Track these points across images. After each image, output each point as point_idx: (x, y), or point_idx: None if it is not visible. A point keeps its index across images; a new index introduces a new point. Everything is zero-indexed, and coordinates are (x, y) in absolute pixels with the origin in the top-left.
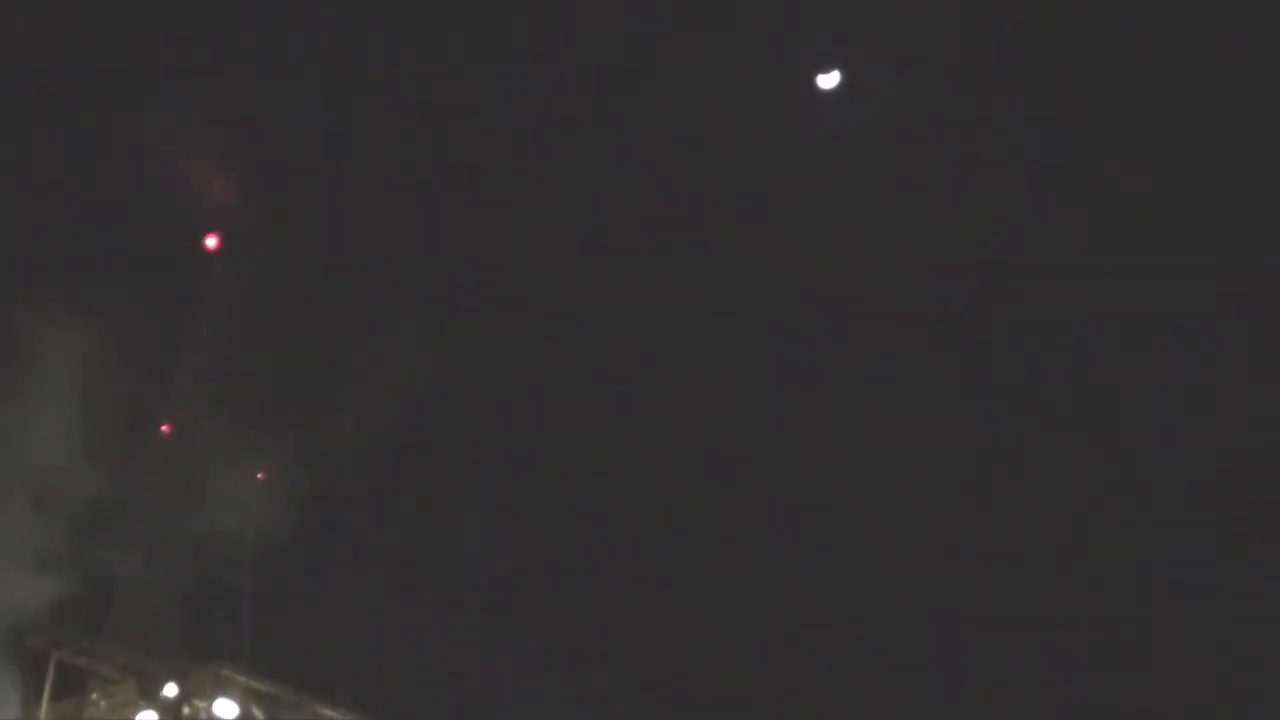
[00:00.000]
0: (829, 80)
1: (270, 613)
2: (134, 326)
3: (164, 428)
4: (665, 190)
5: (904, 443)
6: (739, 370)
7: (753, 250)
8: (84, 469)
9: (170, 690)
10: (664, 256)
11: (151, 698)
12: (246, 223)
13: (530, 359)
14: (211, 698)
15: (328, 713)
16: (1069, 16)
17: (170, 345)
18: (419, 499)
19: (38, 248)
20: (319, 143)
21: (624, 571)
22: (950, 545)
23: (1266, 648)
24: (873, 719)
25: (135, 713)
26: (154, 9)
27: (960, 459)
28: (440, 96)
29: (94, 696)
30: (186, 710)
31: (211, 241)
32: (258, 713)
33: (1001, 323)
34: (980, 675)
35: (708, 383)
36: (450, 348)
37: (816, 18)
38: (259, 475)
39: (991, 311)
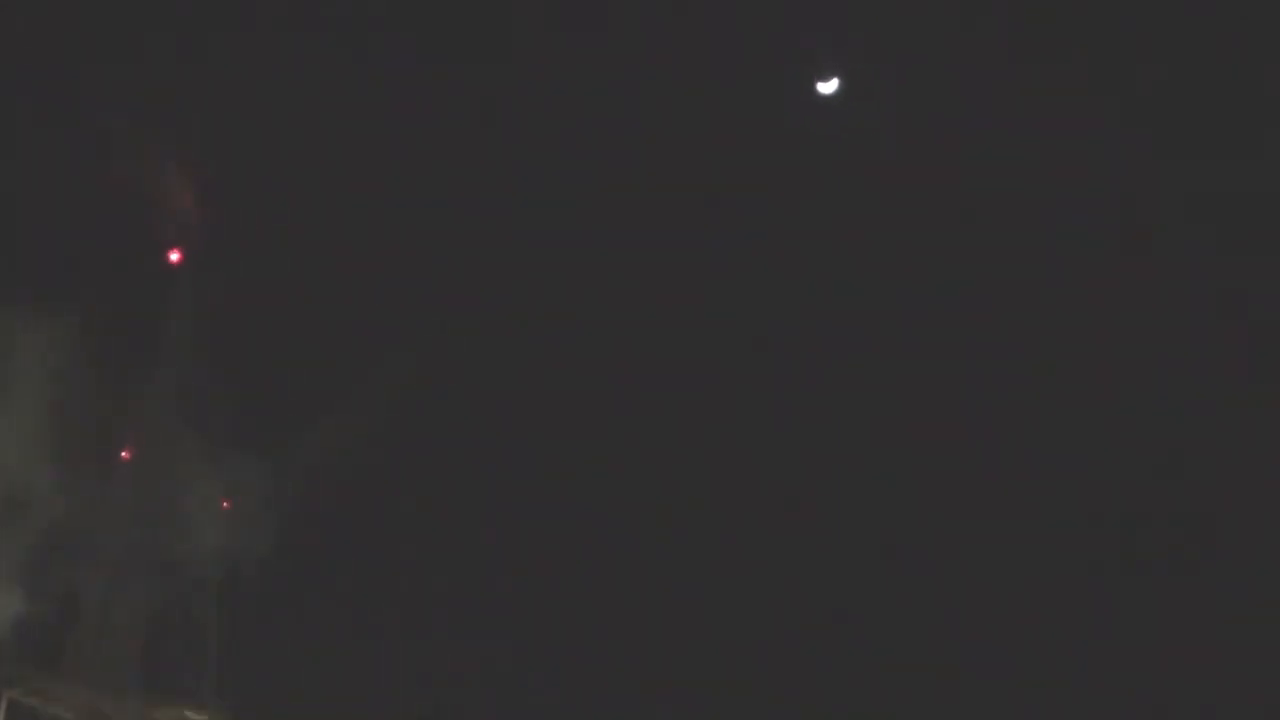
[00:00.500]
0: (829, 87)
1: (238, 651)
2: (92, 344)
3: (124, 453)
4: (662, 197)
5: (906, 446)
6: (739, 376)
7: (753, 257)
8: (37, 497)
9: None
10: (661, 264)
11: None
12: (213, 234)
13: (516, 374)
14: None
15: None
16: (1072, 22)
17: (131, 365)
18: (398, 528)
19: None
20: (289, 150)
21: (607, 605)
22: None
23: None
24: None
25: None
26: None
27: (957, 463)
28: (426, 99)
29: None
30: None
31: (175, 255)
32: None
33: (1004, 328)
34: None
35: (707, 389)
36: (429, 368)
37: (817, 25)
38: (225, 504)
39: (994, 316)
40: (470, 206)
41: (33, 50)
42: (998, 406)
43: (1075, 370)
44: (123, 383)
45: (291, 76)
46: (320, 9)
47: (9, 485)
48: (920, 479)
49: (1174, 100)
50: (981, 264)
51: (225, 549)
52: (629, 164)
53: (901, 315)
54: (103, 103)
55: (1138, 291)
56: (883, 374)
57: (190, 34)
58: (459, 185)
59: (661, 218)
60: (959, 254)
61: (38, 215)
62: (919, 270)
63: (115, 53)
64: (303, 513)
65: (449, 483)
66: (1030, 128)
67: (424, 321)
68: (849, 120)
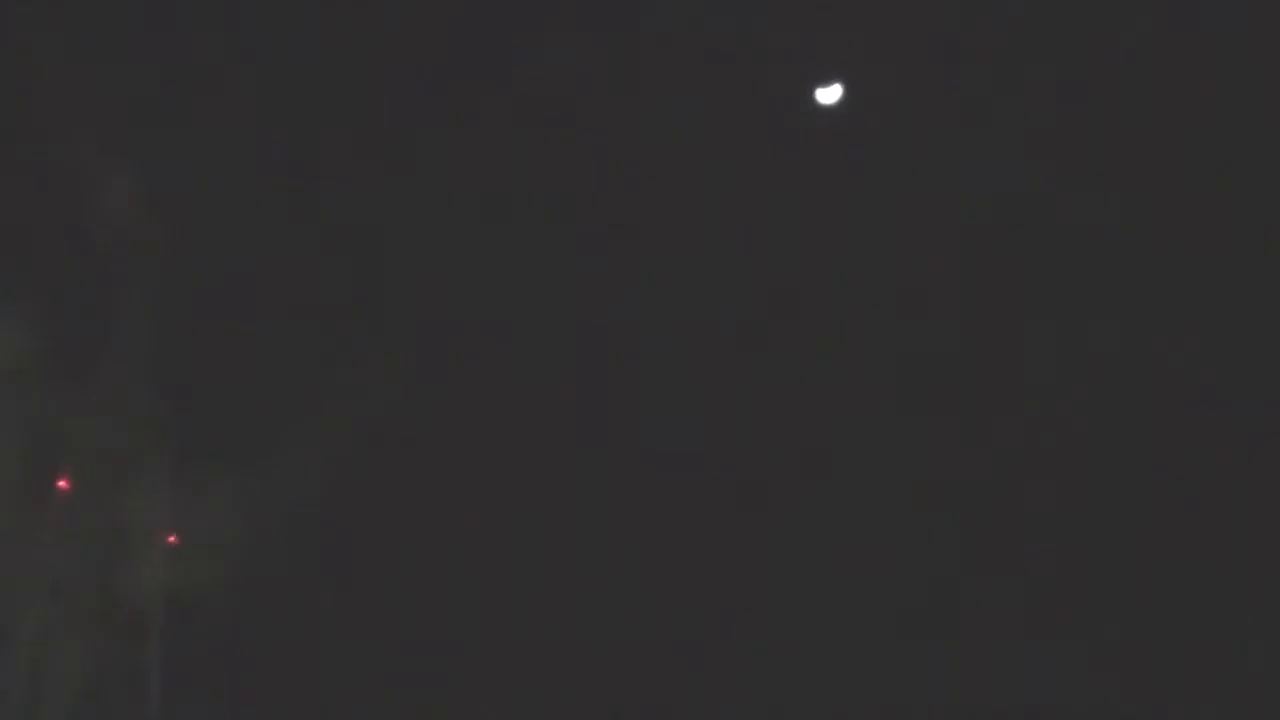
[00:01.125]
0: (830, 95)
1: (183, 700)
2: (24, 360)
3: (60, 482)
4: (654, 206)
5: (900, 454)
6: (734, 386)
7: (749, 266)
8: None
9: None
10: (652, 274)
11: None
12: (159, 241)
13: (492, 402)
14: None
15: None
16: (1074, 27)
17: (68, 383)
18: (358, 567)
19: None
20: (245, 151)
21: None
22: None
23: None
24: None
25: None
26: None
27: (952, 475)
28: (393, 94)
29: None
30: None
31: (119, 267)
32: None
33: (1006, 336)
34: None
35: (702, 399)
36: (393, 388)
37: (816, 29)
38: (170, 539)
39: (996, 325)
40: (447, 211)
41: None
42: (991, 418)
43: (1071, 382)
44: (60, 403)
45: (244, 71)
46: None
47: None
48: (919, 495)
49: (1182, 106)
50: (982, 274)
51: (172, 587)
52: (618, 172)
53: (899, 326)
54: (39, 104)
55: (1143, 300)
56: (878, 384)
57: (133, 29)
58: (434, 186)
59: (654, 227)
60: (959, 264)
61: None
62: (919, 280)
63: (50, 51)
64: (258, 548)
65: (421, 514)
66: (1037, 135)
67: (394, 335)
68: (849, 128)
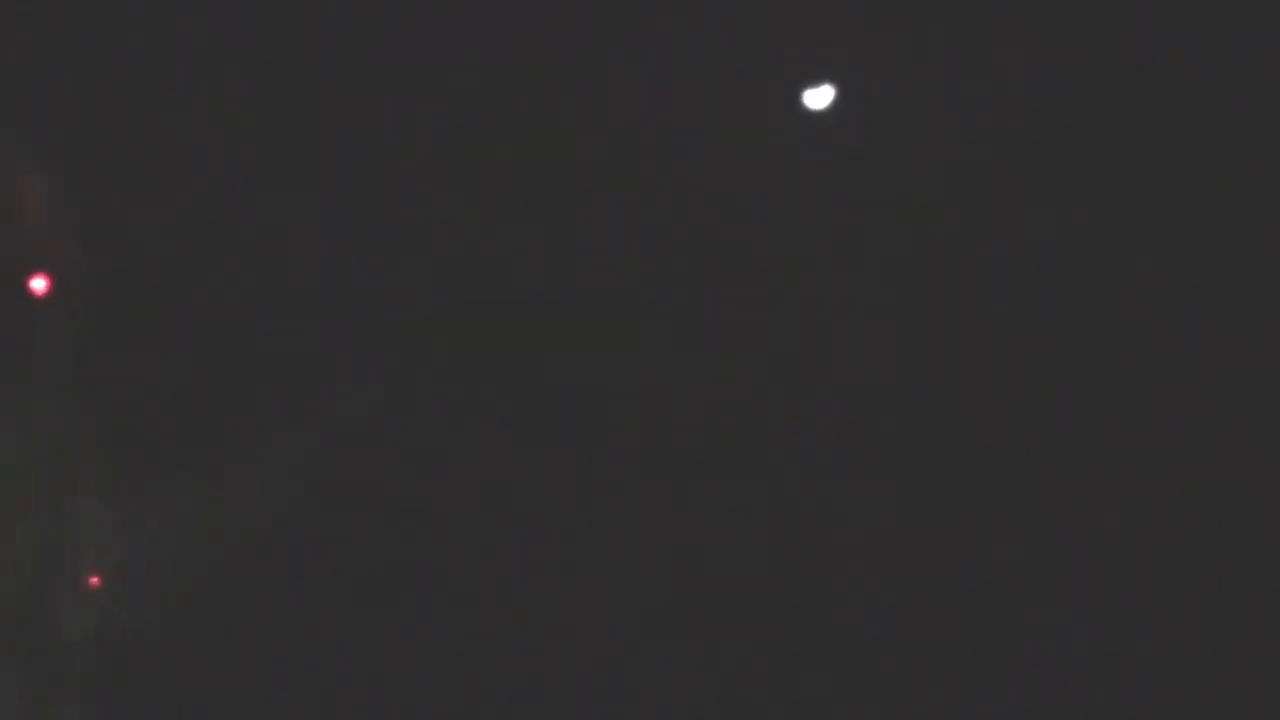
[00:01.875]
0: (819, 98)
1: None
2: None
3: None
4: (633, 215)
5: (898, 468)
6: (723, 395)
7: (740, 276)
8: None
9: None
10: (642, 284)
11: None
12: (87, 257)
13: (463, 425)
14: None
15: None
16: (1074, 26)
17: None
18: (298, 608)
19: None
20: (181, 151)
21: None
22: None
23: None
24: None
25: None
26: None
27: (951, 490)
28: (382, 105)
29: None
30: None
31: (40, 283)
32: None
33: (1003, 342)
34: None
35: (699, 409)
36: (347, 411)
37: (807, 30)
38: (94, 580)
39: (994, 331)
40: (410, 215)
41: None
42: (987, 428)
43: (1068, 387)
44: None
45: (179, 59)
46: None
47: None
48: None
49: (1181, 108)
50: (980, 281)
51: (96, 637)
52: (594, 180)
53: (894, 332)
54: None
55: (1143, 305)
56: (874, 390)
57: (52, 19)
58: (396, 188)
59: (633, 237)
60: (957, 269)
61: None
62: (914, 295)
63: None
64: (191, 592)
65: (372, 547)
66: (1039, 138)
67: (346, 357)
68: (841, 136)
